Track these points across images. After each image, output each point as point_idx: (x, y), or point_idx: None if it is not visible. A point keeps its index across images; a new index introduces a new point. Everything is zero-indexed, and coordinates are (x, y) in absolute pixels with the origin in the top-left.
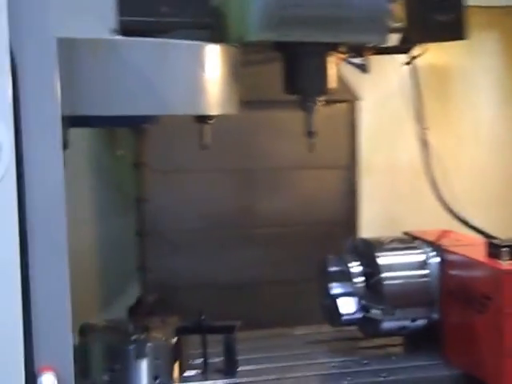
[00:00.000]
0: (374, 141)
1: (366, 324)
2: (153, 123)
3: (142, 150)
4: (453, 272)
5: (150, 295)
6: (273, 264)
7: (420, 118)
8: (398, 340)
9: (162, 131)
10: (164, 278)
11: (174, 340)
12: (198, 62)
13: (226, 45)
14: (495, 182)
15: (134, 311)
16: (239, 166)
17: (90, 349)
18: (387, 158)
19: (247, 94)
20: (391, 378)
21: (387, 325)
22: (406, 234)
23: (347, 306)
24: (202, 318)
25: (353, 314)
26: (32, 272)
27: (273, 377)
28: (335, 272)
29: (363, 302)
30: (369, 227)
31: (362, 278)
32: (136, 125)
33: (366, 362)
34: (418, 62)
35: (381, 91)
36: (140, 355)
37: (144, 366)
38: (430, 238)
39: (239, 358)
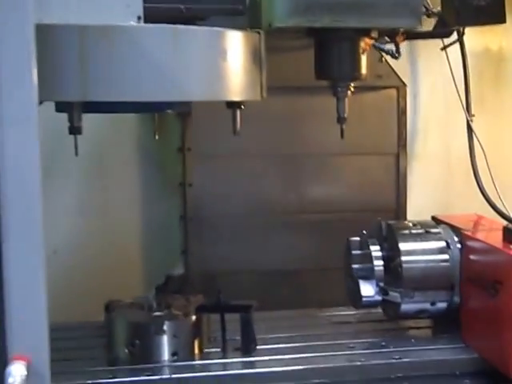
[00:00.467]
0: (424, 127)
1: (386, 306)
2: (174, 110)
3: (186, 135)
4: (472, 257)
5: (177, 275)
6: (317, 251)
7: (467, 105)
8: (423, 323)
9: (206, 116)
10: (206, 263)
11: (194, 318)
12: (216, 48)
13: (248, 31)
14: None
15: (161, 290)
16: (285, 151)
17: (113, 325)
18: (437, 144)
19: (294, 80)
20: (405, 360)
21: (406, 307)
22: (433, 218)
23: (368, 288)
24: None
25: (372, 296)
26: (6, 263)
27: (288, 356)
28: (358, 255)
29: (382, 284)
30: (417, 215)
31: (382, 262)
32: (153, 111)
33: (383, 343)
34: (471, 46)
35: (431, 77)
36: (158, 331)
37: (162, 342)
38: (456, 222)
39: (261, 336)
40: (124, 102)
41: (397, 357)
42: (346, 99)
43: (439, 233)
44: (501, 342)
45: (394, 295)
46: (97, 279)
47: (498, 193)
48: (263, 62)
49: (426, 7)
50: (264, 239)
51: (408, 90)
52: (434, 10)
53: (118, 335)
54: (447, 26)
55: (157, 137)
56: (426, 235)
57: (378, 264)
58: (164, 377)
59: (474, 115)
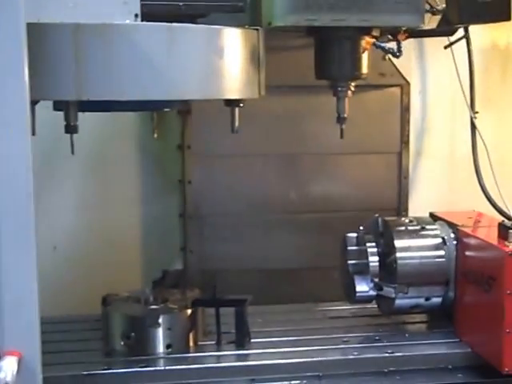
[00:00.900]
0: (428, 124)
1: (381, 302)
2: (171, 108)
3: (186, 133)
4: (467, 253)
5: (174, 270)
6: (317, 249)
7: (471, 101)
8: (417, 318)
9: (206, 114)
10: (205, 260)
11: (189, 311)
12: (214, 46)
13: (246, 28)
14: None
15: (158, 284)
16: (285, 151)
17: (109, 317)
18: (442, 141)
19: (294, 79)
20: (397, 354)
21: (400, 302)
22: (431, 214)
23: (363, 283)
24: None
25: (367, 291)
26: None
27: (282, 350)
28: (353, 250)
29: (377, 280)
30: (420, 211)
31: (378, 258)
32: (151, 109)
33: (377, 338)
34: (477, 43)
35: (437, 74)
36: (152, 324)
37: (157, 334)
38: (454, 219)
39: (256, 330)
40: (120, 100)
41: (390, 351)
42: (346, 99)
43: (435, 229)
44: (494, 336)
45: (389, 290)
46: (96, 275)
47: (498, 190)
48: (262, 60)
49: (430, 4)
50: (263, 237)
51: (413, 86)
52: (439, 8)
53: (114, 328)
54: (451, 23)
55: (155, 135)
56: (421, 231)
57: (374, 260)
58: (158, 368)
59: (477, 112)
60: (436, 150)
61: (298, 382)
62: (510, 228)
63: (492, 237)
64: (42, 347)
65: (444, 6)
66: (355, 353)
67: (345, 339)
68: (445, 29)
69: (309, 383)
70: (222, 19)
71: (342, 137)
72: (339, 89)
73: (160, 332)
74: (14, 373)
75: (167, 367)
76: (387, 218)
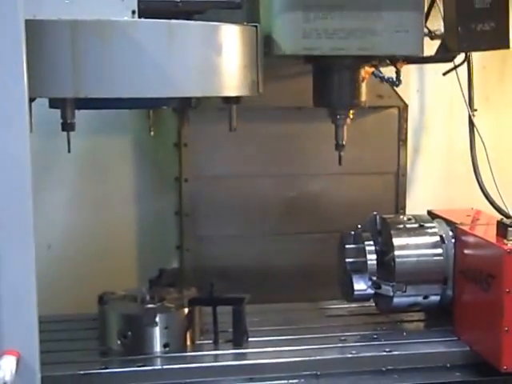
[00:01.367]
0: (427, 122)
1: (379, 300)
2: (169, 106)
3: (182, 131)
4: (465, 251)
5: (171, 268)
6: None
7: (470, 99)
8: (415, 316)
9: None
10: (201, 258)
11: (186, 310)
12: (212, 43)
13: (244, 25)
14: None
15: (154, 283)
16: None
17: (106, 316)
18: (440, 139)
19: (293, 101)
20: (395, 352)
21: (399, 301)
22: (429, 212)
23: (361, 282)
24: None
25: (365, 290)
26: None
27: (280, 348)
28: (351, 248)
29: (374, 278)
30: (418, 209)
31: (376, 256)
32: (148, 107)
33: (375, 336)
34: None
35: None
36: (149, 323)
37: (154, 333)
38: (452, 217)
39: (253, 329)
40: (118, 98)
41: (388, 349)
42: (345, 126)
43: (434, 227)
44: (492, 335)
45: (387, 289)
46: (92, 274)
47: (497, 188)
48: (260, 57)
49: (428, 29)
50: (259, 235)
51: (411, 85)
52: (437, 33)
53: (111, 327)
54: (450, 50)
55: (152, 133)
56: (420, 229)
57: (372, 258)
58: (155, 368)
59: (476, 110)
60: (434, 148)
61: (295, 380)
62: (508, 226)
63: (490, 235)
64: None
65: (442, 30)
66: (353, 351)
67: (342, 338)
68: (443, 56)
69: (307, 382)
70: (219, 16)
71: (340, 163)
72: (338, 117)
73: (157, 331)
74: (13, 372)
75: (164, 366)
76: (385, 216)
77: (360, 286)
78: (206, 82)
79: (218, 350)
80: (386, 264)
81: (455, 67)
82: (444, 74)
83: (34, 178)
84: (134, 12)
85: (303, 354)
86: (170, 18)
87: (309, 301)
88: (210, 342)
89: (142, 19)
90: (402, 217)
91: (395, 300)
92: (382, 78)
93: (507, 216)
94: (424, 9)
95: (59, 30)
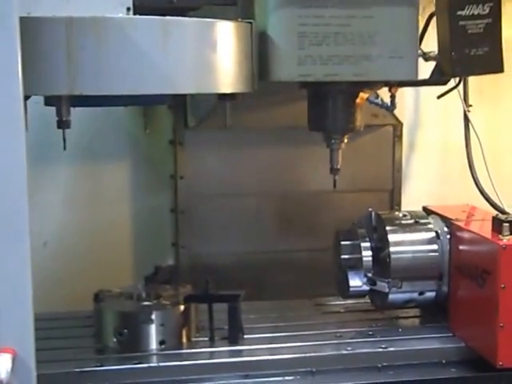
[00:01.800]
0: (422, 118)
1: (374, 296)
2: (164, 103)
3: (177, 128)
4: (460, 246)
5: (167, 265)
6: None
7: (465, 95)
8: (411, 312)
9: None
10: (196, 255)
11: (182, 307)
12: (207, 40)
13: (239, 21)
14: None
15: (150, 280)
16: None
17: (102, 314)
18: (435, 135)
19: (288, 121)
20: (391, 349)
21: (394, 297)
22: (424, 208)
23: (356, 278)
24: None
25: (360, 286)
26: None
27: (275, 345)
28: (346, 245)
29: (370, 274)
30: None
31: (371, 252)
32: (143, 104)
33: (371, 333)
34: None
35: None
36: (145, 321)
37: (150, 331)
38: (447, 213)
39: (249, 326)
40: (113, 95)
41: (383, 346)
42: (340, 151)
43: (429, 223)
44: (488, 331)
45: (382, 285)
46: (87, 271)
47: (492, 184)
48: (255, 53)
49: (422, 51)
50: (255, 232)
51: (407, 101)
52: (432, 54)
53: (107, 324)
54: (444, 75)
55: (147, 130)
56: (415, 226)
57: (367, 255)
58: (151, 365)
59: (471, 105)
60: (429, 144)
61: (291, 377)
62: (503, 221)
63: (486, 230)
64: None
65: (436, 52)
66: (349, 348)
67: (338, 334)
68: (438, 79)
69: (302, 379)
70: (214, 12)
71: (334, 186)
72: (333, 141)
73: (153, 328)
74: (9, 370)
75: (160, 364)
76: (380, 213)
77: (355, 282)
78: (201, 79)
79: (213, 347)
80: (382, 260)
81: (450, 90)
82: (438, 98)
83: (29, 176)
84: (128, 9)
85: (299, 350)
86: (164, 15)
87: (305, 298)
88: (206, 339)
89: (137, 16)
90: (397, 213)
91: (391, 296)
92: (377, 104)
93: (502, 212)
94: (418, 33)
95: (54, 27)
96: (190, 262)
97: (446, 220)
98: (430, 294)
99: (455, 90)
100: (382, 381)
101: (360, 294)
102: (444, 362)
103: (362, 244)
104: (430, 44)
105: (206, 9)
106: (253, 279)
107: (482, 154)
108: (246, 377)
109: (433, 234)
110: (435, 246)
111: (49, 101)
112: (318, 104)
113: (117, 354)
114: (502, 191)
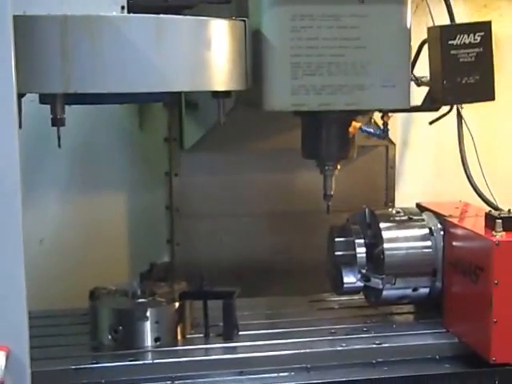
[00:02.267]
0: (413, 116)
1: (368, 292)
2: (158, 101)
3: (172, 126)
4: (454, 243)
5: (162, 262)
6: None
7: None
8: (405, 309)
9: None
10: (191, 252)
11: (177, 304)
12: (201, 38)
13: (233, 19)
14: None
15: (145, 277)
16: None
17: (97, 311)
18: (429, 132)
19: (282, 143)
20: (385, 345)
21: (388, 293)
22: (418, 205)
23: (350, 275)
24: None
25: (354, 283)
26: None
27: (270, 342)
28: (340, 242)
29: (364, 271)
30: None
31: (365, 249)
32: (138, 102)
33: (365, 329)
34: None
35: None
36: (140, 318)
37: (145, 328)
38: (441, 209)
39: (244, 323)
40: (108, 93)
41: (378, 342)
42: (333, 177)
43: (422, 220)
44: (481, 326)
45: (376, 281)
46: (83, 268)
47: (485, 180)
48: (248, 52)
49: (415, 77)
50: (250, 230)
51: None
52: (424, 80)
53: (102, 322)
54: (435, 102)
55: (142, 128)
56: (409, 222)
57: (361, 251)
58: (147, 362)
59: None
60: (422, 141)
61: (286, 373)
62: (496, 218)
63: (479, 227)
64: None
65: (428, 77)
66: (343, 344)
67: (332, 331)
68: (430, 106)
69: (297, 375)
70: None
71: (328, 212)
72: (326, 168)
73: (148, 325)
74: (3, 368)
75: (155, 360)
76: (374, 209)
77: (349, 279)
78: (196, 77)
79: (208, 343)
80: (376, 257)
81: (442, 116)
82: (430, 123)
83: (25, 174)
84: (123, 7)
85: (293, 347)
86: (159, 14)
87: (300, 294)
88: (201, 335)
89: (131, 14)
90: (390, 210)
91: (385, 293)
92: (370, 133)
93: (495, 208)
94: (410, 61)
95: (48, 26)
96: (185, 259)
97: (439, 216)
98: (424, 291)
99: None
100: (377, 376)
101: (354, 291)
102: (438, 357)
103: (356, 241)
104: (423, 67)
105: (200, 7)
106: (247, 276)
107: (475, 150)
108: (241, 373)
109: (426, 231)
110: (429, 243)
111: (43, 99)
112: (311, 132)
113: (112, 351)
114: (495, 188)
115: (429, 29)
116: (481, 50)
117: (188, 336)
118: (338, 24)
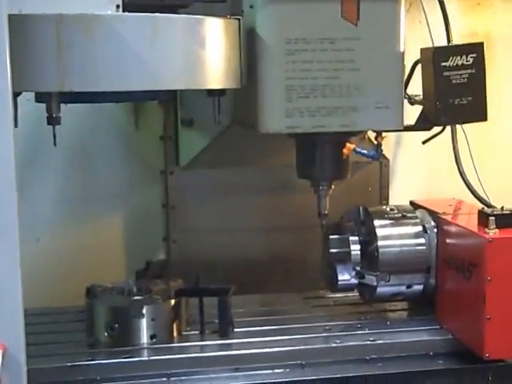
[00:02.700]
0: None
1: (363, 290)
2: (154, 99)
3: (168, 124)
4: (447, 240)
5: (158, 260)
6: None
7: None
8: (399, 305)
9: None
10: (187, 250)
11: (172, 302)
12: (196, 36)
13: (228, 18)
14: None
15: (141, 275)
16: None
17: (93, 309)
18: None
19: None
20: (379, 341)
21: (382, 290)
22: (411, 202)
23: (345, 272)
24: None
25: (349, 280)
26: None
27: (265, 339)
28: (335, 239)
29: (358, 268)
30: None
31: (359, 246)
32: (134, 100)
33: (359, 325)
34: (457, 30)
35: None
36: (136, 315)
37: (141, 325)
38: (434, 207)
39: (239, 319)
40: (103, 91)
41: (372, 339)
42: (327, 197)
43: (416, 217)
44: (475, 323)
45: (370, 278)
46: (79, 266)
47: (478, 177)
48: (243, 50)
49: (408, 96)
50: (247, 227)
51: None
52: (417, 98)
53: (98, 319)
54: (429, 122)
55: (138, 126)
56: (402, 220)
57: (355, 249)
58: (142, 359)
59: None
60: (416, 138)
61: (281, 370)
62: (489, 215)
63: (472, 224)
64: (25, 339)
65: (421, 96)
66: (337, 341)
67: (327, 327)
68: (423, 126)
69: (292, 371)
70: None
71: (322, 229)
72: (320, 188)
73: (144, 323)
74: None
75: (151, 357)
76: (368, 207)
77: (344, 276)
78: (191, 75)
79: (204, 340)
80: (370, 254)
81: (434, 136)
82: (423, 143)
83: (21, 172)
84: (118, 6)
85: (288, 343)
86: (154, 12)
87: (293, 291)
88: (197, 332)
89: (127, 13)
90: (384, 207)
91: (379, 290)
92: (364, 155)
93: (488, 205)
94: (403, 82)
95: (44, 24)
96: (180, 256)
97: (433, 214)
98: (418, 287)
99: None
100: (371, 373)
101: (348, 288)
102: (431, 354)
103: (351, 238)
104: (417, 86)
105: (196, 6)
106: (243, 273)
107: (469, 148)
108: (236, 370)
109: (420, 228)
110: (422, 240)
111: (39, 97)
112: (305, 153)
113: (108, 348)
114: (487, 185)
115: (422, 50)
116: (473, 71)
117: (184, 333)
118: (333, 47)
